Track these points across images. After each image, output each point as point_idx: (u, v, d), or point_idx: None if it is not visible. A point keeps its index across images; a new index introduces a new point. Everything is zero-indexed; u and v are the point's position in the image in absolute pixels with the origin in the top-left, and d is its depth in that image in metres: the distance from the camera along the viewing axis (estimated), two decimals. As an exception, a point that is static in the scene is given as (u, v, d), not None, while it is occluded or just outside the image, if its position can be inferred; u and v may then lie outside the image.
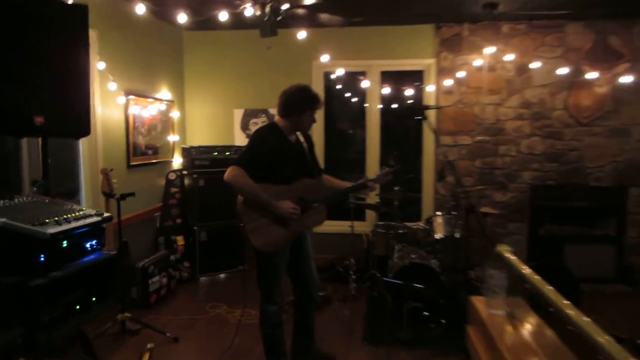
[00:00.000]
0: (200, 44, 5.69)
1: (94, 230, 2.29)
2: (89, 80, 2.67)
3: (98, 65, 3.59)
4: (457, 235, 4.09)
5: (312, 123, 2.97)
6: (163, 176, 5.16)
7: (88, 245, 2.26)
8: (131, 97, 4.47)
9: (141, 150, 4.67)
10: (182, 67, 5.72)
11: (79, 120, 2.60)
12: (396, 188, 4.29)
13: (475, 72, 5.12)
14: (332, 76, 5.68)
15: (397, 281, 3.79)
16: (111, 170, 3.71)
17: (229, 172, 2.71)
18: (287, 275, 3.11)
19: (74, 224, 2.12)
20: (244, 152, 2.83)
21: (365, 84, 5.08)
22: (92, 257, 2.28)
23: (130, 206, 4.53)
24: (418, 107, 2.70)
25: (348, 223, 4.97)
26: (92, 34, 3.83)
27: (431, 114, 5.31)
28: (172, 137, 5.37)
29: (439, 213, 4.25)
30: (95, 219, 2.25)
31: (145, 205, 4.83)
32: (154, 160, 4.99)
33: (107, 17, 4.09)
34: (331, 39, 5.28)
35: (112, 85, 3.86)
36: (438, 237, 4.16)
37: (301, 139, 3.07)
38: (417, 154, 5.60)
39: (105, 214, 2.34)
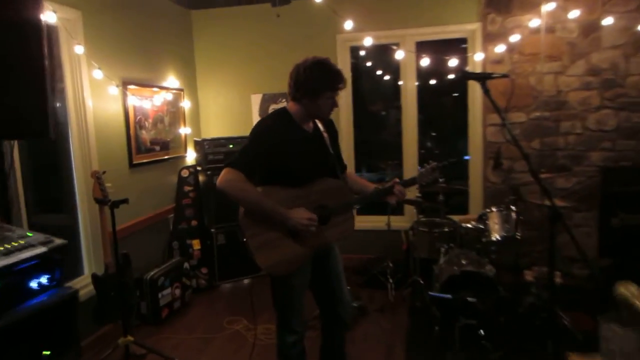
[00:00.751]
0: (210, 24, 5.08)
1: (44, 264, 1.74)
2: (45, 73, 2.11)
3: (76, 49, 3.02)
4: (519, 236, 3.36)
5: (332, 108, 2.30)
6: (175, 174, 4.64)
7: (35, 283, 1.71)
8: (131, 87, 3.93)
9: (146, 146, 4.14)
10: (192, 51, 5.13)
11: (31, 120, 2.05)
12: (441, 179, 3.59)
13: (529, 36, 4.29)
14: (361, 52, 5.00)
15: (445, 296, 3.12)
16: (103, 173, 3.19)
17: (223, 177, 2.11)
18: (311, 293, 2.51)
19: (8, 260, 1.57)
20: (243, 150, 2.21)
21: (399, 54, 4.33)
22: (41, 298, 1.73)
23: (138, 210, 4.04)
24: (476, 76, 1.96)
25: (384, 218, 4.32)
26: (74, 16, 3.29)
27: (476, 89, 4.54)
28: (184, 130, 4.82)
29: (494, 209, 3.52)
30: (41, 249, 1.70)
31: (155, 207, 4.33)
32: (164, 157, 4.47)
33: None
34: (357, 8, 4.56)
35: (98, 74, 3.31)
36: (495, 239, 3.44)
37: (321, 127, 2.42)
38: (460, 135, 4.84)
39: (58, 241, 1.79)
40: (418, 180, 2.43)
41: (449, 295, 3.15)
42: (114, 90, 3.50)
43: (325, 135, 2.42)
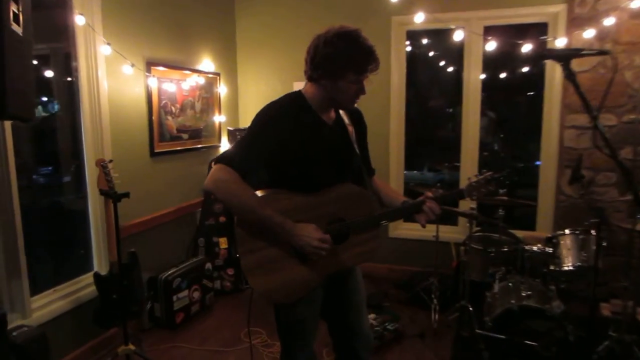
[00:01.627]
0: (255, 2, 4.67)
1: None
2: (23, 48, 1.75)
3: (77, 19, 2.68)
4: (600, 265, 2.67)
5: (357, 95, 1.78)
6: (206, 164, 4.29)
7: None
8: (157, 68, 3.59)
9: (171, 134, 3.79)
10: (234, 33, 4.75)
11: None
12: (501, 191, 2.96)
13: (628, 21, 3.51)
14: (422, 40, 4.41)
15: (497, 336, 2.52)
16: (110, 161, 2.85)
17: (212, 176, 1.66)
18: (325, 322, 2.03)
19: None
20: (241, 143, 1.75)
21: (458, 35, 3.68)
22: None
23: (161, 202, 3.73)
24: (558, 53, 1.34)
25: (432, 227, 3.73)
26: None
27: (554, 82, 3.81)
28: (218, 118, 4.45)
29: (568, 231, 2.84)
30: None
31: (181, 200, 3.99)
32: (195, 146, 4.12)
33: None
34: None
35: (106, 49, 2.96)
36: (567, 268, 2.77)
37: (345, 120, 1.91)
38: (531, 137, 4.13)
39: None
40: (466, 194, 1.86)
41: (501, 336, 2.55)
42: (128, 69, 3.16)
43: (350, 129, 1.90)
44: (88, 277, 3.09)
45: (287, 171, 1.77)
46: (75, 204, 3.27)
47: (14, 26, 1.88)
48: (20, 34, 1.89)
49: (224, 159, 1.68)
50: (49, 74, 3.23)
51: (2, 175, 2.55)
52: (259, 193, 1.75)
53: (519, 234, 3.58)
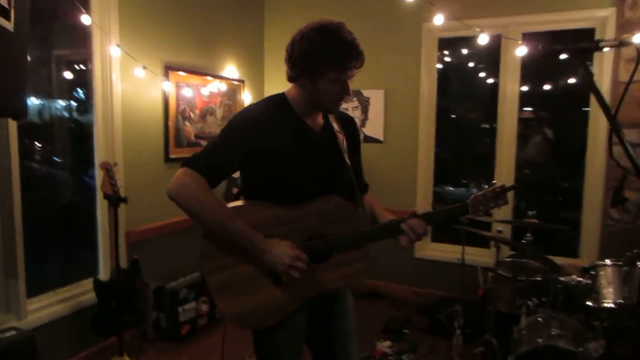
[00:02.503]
0: (284, 11, 4.56)
1: None
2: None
3: (82, 18, 2.63)
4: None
5: (341, 96, 1.57)
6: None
7: None
8: (177, 73, 3.53)
9: (189, 140, 3.71)
10: (262, 40, 4.65)
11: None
12: (530, 212, 2.65)
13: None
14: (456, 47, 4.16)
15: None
16: (115, 165, 2.78)
17: (174, 179, 1.50)
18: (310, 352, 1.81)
19: None
20: (210, 146, 1.58)
21: (482, 39, 3.38)
22: None
23: (174, 209, 3.59)
24: (575, 47, 1.06)
25: (458, 249, 3.42)
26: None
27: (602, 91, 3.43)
28: (241, 126, 4.34)
29: (609, 262, 2.47)
30: None
31: (198, 208, 3.88)
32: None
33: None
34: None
35: (115, 50, 2.90)
36: (608, 305, 2.41)
37: (335, 126, 1.71)
38: (581, 155, 3.73)
39: None
40: (471, 209, 1.59)
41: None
42: (140, 72, 3.09)
43: (340, 136, 1.69)
44: (90, 282, 3.02)
45: (265, 180, 1.59)
46: (85, 207, 3.23)
47: (2, 20, 1.81)
48: (11, 30, 1.82)
49: (190, 162, 1.52)
50: (68, 75, 3.24)
51: (4, 174, 2.52)
52: (234, 203, 1.58)
53: (559, 261, 3.21)
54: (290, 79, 1.59)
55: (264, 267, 1.52)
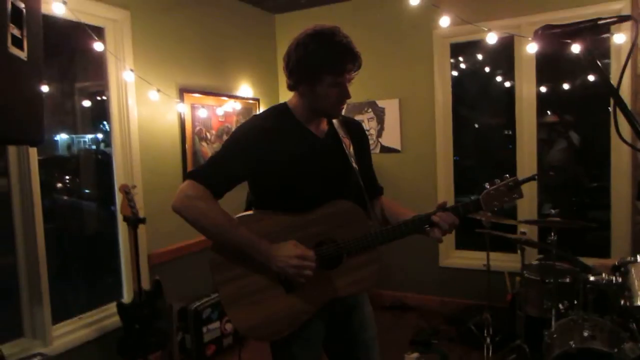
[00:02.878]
0: (295, 28, 4.60)
1: None
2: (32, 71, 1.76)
3: (95, 46, 2.70)
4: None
5: (341, 100, 1.56)
6: (245, 191, 4.19)
7: None
8: (192, 94, 3.60)
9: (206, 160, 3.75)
10: (275, 58, 4.71)
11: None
12: (552, 211, 2.56)
13: None
14: (469, 52, 4.13)
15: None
16: (133, 187, 2.83)
17: (179, 192, 1.51)
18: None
19: None
20: (214, 157, 1.60)
21: (491, 38, 3.33)
22: None
23: (194, 229, 3.65)
24: (571, 28, 1.03)
25: (483, 255, 3.34)
26: (121, 16, 3.04)
27: (624, 89, 3.34)
28: (258, 144, 4.38)
29: None
30: None
31: (218, 227, 3.90)
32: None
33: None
34: (457, -5, 3.72)
35: (129, 75, 2.97)
36: None
37: (340, 132, 1.69)
38: (603, 156, 3.61)
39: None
40: (484, 204, 1.54)
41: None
42: (154, 95, 3.16)
43: (346, 141, 1.68)
44: (114, 306, 3.05)
45: (271, 189, 1.59)
46: (109, 232, 3.29)
47: (14, 49, 1.88)
48: (24, 58, 1.88)
49: (193, 173, 1.53)
50: (89, 105, 3.36)
51: (25, 198, 2.59)
52: (242, 214, 1.58)
53: (590, 262, 3.09)
54: (290, 87, 1.60)
55: (273, 275, 1.51)
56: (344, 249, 1.54)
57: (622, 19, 1.05)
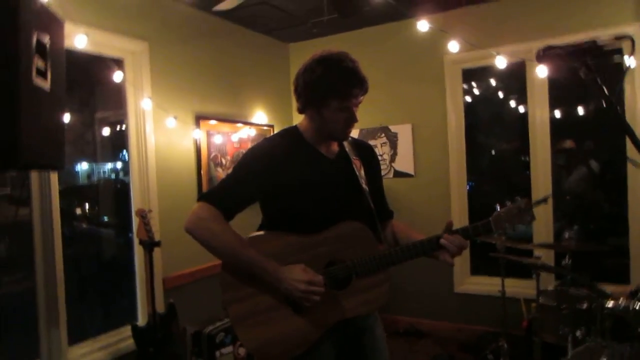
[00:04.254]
0: (307, 51, 4.72)
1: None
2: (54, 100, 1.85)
3: (115, 75, 2.82)
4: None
5: (348, 124, 1.60)
6: (259, 216, 4.24)
7: None
8: (209, 122, 3.70)
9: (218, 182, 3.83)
10: (289, 84, 4.79)
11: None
12: (567, 234, 2.54)
13: None
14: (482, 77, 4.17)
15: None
16: (149, 211, 2.89)
17: (192, 214, 1.55)
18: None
19: None
20: (226, 179, 1.65)
21: (500, 62, 3.36)
22: None
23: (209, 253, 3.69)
24: (570, 50, 1.07)
25: (499, 281, 3.30)
26: (140, 48, 3.17)
27: (638, 110, 3.33)
28: (272, 169, 4.44)
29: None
30: None
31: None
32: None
33: (168, 27, 3.41)
34: (467, 21, 3.79)
35: (147, 103, 3.08)
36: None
37: (351, 154, 1.73)
38: (621, 182, 3.57)
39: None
40: (494, 226, 1.55)
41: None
42: (171, 122, 3.26)
43: (357, 163, 1.72)
44: (129, 329, 3.08)
45: (282, 210, 1.62)
46: (126, 257, 3.35)
47: (39, 81, 1.98)
48: (47, 89, 1.98)
49: (205, 195, 1.58)
50: (106, 132, 3.47)
51: (46, 225, 2.67)
52: (252, 235, 1.62)
53: (609, 288, 3.02)
54: (300, 110, 1.65)
55: (282, 295, 1.53)
56: (353, 269, 1.56)
57: (621, 37, 1.08)
